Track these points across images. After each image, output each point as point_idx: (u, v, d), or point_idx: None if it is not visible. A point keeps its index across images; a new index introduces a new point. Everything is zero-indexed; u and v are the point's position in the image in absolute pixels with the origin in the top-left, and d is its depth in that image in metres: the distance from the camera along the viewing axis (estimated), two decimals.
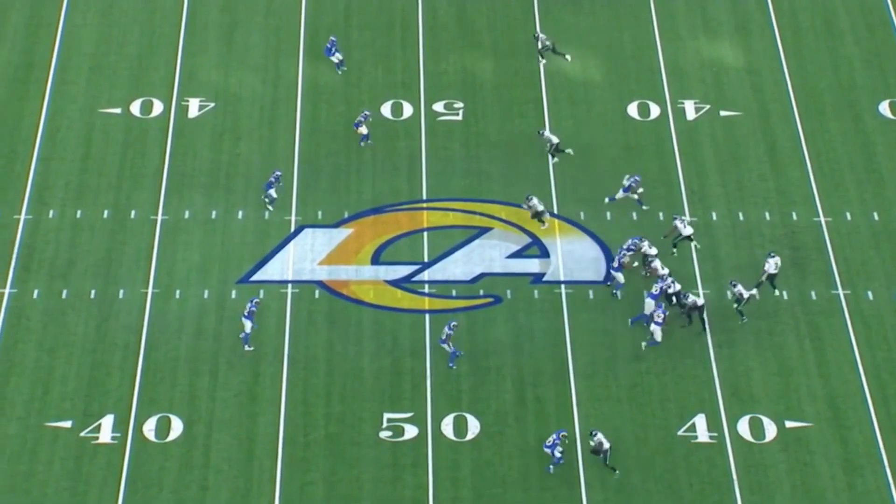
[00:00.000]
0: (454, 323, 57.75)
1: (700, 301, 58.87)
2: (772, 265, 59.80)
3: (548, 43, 69.52)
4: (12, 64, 68.81)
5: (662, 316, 57.99)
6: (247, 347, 57.71)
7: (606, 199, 62.89)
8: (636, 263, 60.76)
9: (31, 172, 64.32)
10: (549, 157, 64.43)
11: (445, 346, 57.51)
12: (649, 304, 58.62)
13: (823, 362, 58.52)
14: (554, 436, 53.50)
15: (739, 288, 59.00)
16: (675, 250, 61.37)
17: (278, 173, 62.80)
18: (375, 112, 67.23)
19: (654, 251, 60.51)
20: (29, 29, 70.49)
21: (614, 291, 60.30)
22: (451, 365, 57.56)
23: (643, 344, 58.07)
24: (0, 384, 56.64)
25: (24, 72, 68.49)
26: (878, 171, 65.64)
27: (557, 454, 53.27)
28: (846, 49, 71.01)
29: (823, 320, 59.71)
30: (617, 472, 53.35)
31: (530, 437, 55.84)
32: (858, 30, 71.85)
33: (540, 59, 69.67)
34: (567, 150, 64.75)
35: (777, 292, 60.06)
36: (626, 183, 62.54)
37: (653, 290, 58.83)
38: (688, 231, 61.23)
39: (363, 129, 64.71)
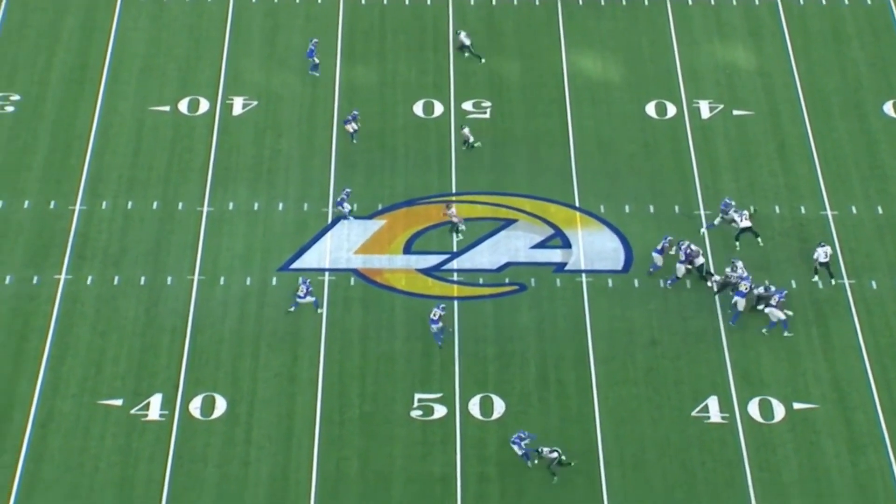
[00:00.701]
0: (443, 305, 57.73)
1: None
2: (821, 254, 59.58)
3: (466, 42, 69.35)
4: (68, 65, 68.83)
5: (748, 285, 58.18)
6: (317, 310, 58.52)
7: (703, 230, 62.07)
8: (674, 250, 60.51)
9: (86, 166, 64.36)
10: (464, 147, 64.39)
11: (435, 326, 57.36)
12: (741, 303, 58.35)
13: (829, 348, 58.29)
14: (515, 436, 53.36)
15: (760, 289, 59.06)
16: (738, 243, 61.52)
17: (348, 190, 62.62)
18: (408, 111, 67.09)
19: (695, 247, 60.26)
20: (84, 32, 70.52)
21: (650, 270, 60.18)
22: (439, 345, 57.59)
23: (763, 330, 58.12)
24: (55, 364, 56.75)
25: (80, 72, 68.52)
26: (882, 168, 65.35)
27: (520, 452, 52.99)
28: (852, 52, 70.68)
29: (829, 308, 59.47)
30: (556, 478, 53.07)
31: (552, 416, 55.79)
32: (864, 35, 71.53)
33: (463, 54, 69.70)
34: (476, 144, 64.64)
35: (831, 280, 60.04)
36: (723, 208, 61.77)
37: (740, 289, 58.40)
38: (746, 224, 60.93)
39: (349, 127, 64.33)
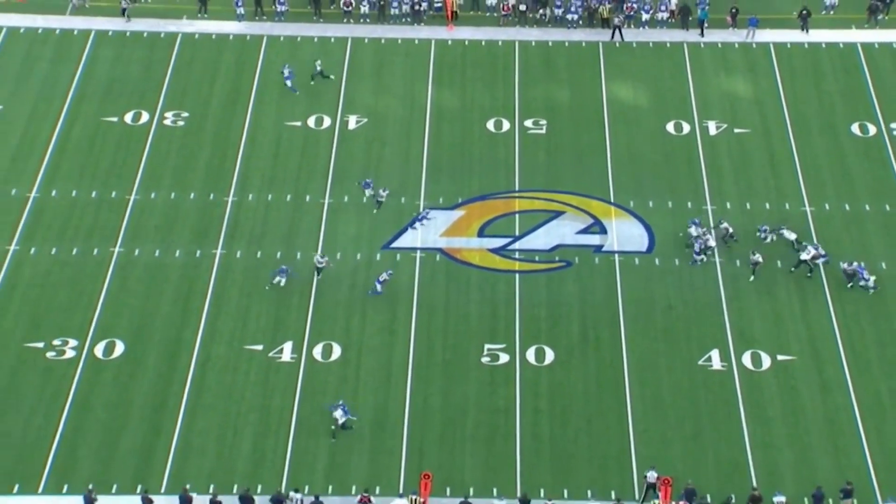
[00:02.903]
0: (391, 271, 57.79)
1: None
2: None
3: (318, 69, 68.74)
4: (225, 90, 68.95)
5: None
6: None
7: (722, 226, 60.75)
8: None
9: (237, 167, 64.46)
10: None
11: (379, 285, 57.14)
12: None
13: (806, 312, 57.72)
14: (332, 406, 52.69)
15: (724, 225, 59.46)
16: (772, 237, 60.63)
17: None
18: (482, 127, 66.75)
19: (731, 229, 59.89)
20: (237, 65, 70.58)
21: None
22: (370, 294, 57.48)
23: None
24: (213, 318, 57.05)
25: (234, 96, 68.61)
26: (849, 175, 64.42)
27: (338, 416, 52.22)
28: (827, 85, 69.63)
29: (807, 282, 58.73)
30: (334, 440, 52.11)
31: (590, 364, 55.57)
32: (837, 71, 70.43)
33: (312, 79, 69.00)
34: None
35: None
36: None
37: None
38: (792, 236, 60.16)
39: (368, 191, 62.49)
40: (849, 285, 58.33)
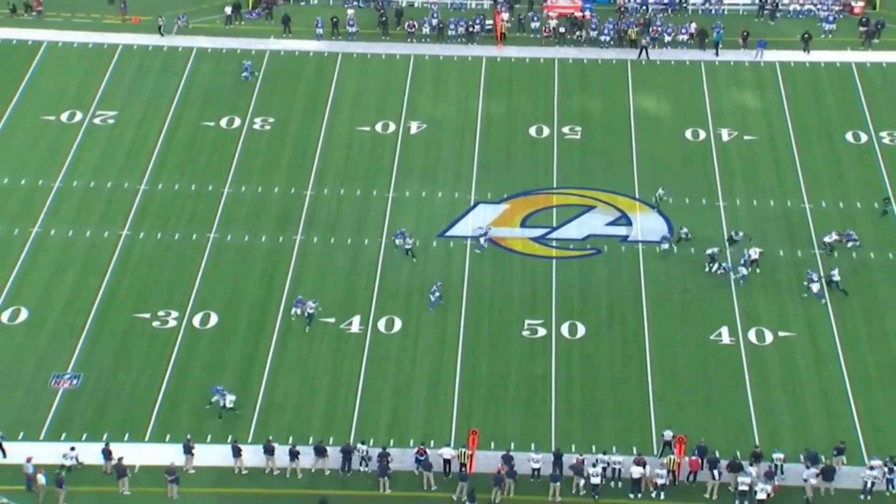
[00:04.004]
0: (440, 283, 56.51)
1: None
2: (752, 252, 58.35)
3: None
4: (305, 98, 69.23)
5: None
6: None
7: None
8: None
9: (314, 165, 64.67)
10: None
11: (432, 296, 55.71)
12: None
13: (804, 296, 56.95)
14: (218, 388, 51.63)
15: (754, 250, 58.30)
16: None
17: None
18: (525, 132, 66.59)
19: (756, 254, 58.04)
20: (316, 77, 70.89)
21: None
22: (430, 310, 55.97)
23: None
24: (291, 295, 57.06)
25: (312, 104, 68.88)
26: (844, 177, 63.76)
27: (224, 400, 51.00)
28: (826, 98, 68.92)
29: (805, 270, 58.07)
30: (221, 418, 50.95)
31: (616, 338, 55.32)
32: (834, 86, 69.74)
33: None
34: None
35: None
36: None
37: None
38: (833, 238, 59.05)
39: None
40: (834, 253, 57.64)
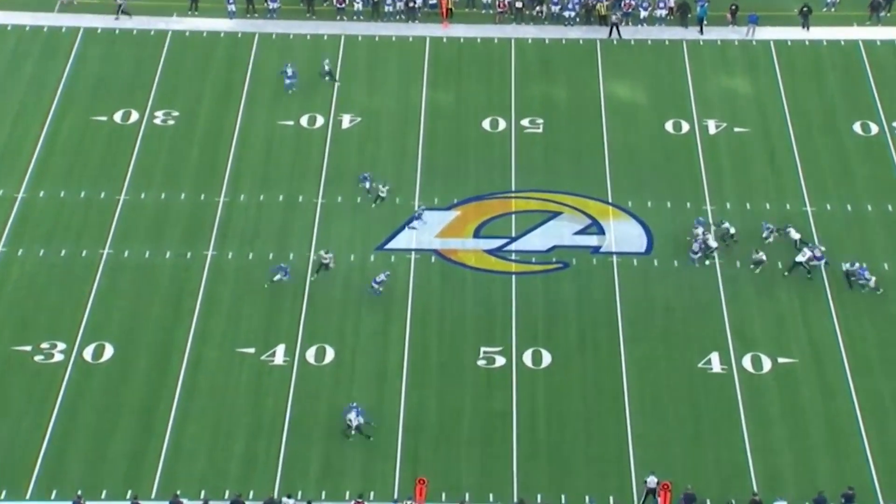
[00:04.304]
0: (388, 272, 58.01)
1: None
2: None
3: (326, 69, 68.93)
4: (216, 87, 69.08)
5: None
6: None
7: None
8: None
9: (228, 167, 64.54)
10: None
11: (377, 285, 57.35)
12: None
13: (807, 315, 57.80)
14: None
15: (725, 225, 60.04)
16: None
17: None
18: (478, 126, 66.89)
19: (733, 229, 60.19)
20: (229, 62, 70.75)
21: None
22: (369, 292, 57.69)
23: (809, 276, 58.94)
24: (204, 320, 57.09)
25: (225, 93, 68.74)
26: (851, 175, 64.56)
27: (352, 417, 52.38)
28: (829, 83, 69.83)
29: (807, 283, 58.81)
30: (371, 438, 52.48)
31: (588, 367, 55.60)
32: (838, 69, 70.68)
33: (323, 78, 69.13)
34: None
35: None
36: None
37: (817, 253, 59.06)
38: (797, 235, 60.36)
39: (366, 185, 62.88)
40: (849, 285, 58.45)
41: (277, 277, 57.96)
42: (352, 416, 52.16)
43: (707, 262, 59.53)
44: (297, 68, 68.74)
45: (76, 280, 58.66)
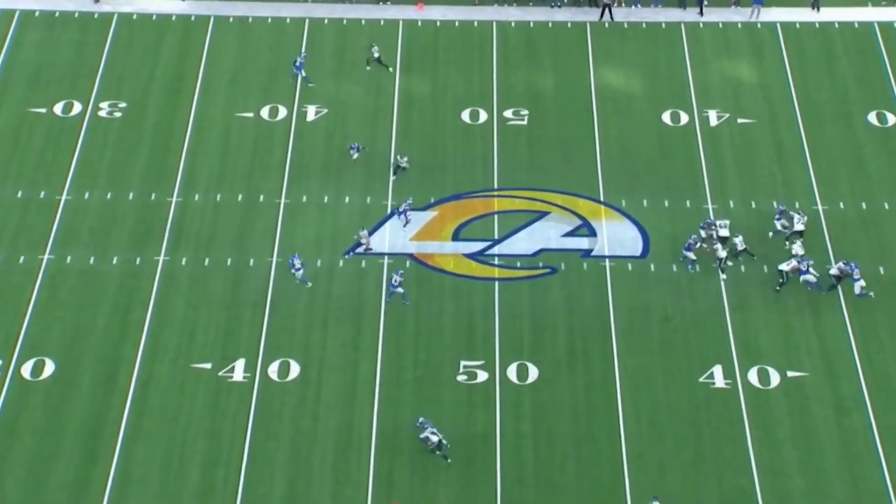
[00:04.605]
0: (402, 271, 58.22)
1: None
2: (738, 242, 60.32)
3: (376, 55, 69.30)
4: (167, 76, 68.99)
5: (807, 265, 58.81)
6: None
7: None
8: (704, 245, 60.36)
9: (181, 164, 64.48)
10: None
11: (399, 289, 57.60)
12: (809, 280, 58.82)
13: (819, 323, 57.95)
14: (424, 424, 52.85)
15: (738, 239, 60.14)
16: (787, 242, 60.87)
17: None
18: (456, 117, 66.96)
19: (725, 231, 60.47)
20: (181, 49, 70.68)
21: (688, 266, 60.00)
22: (405, 302, 58.10)
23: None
24: (155, 333, 56.99)
25: (177, 83, 68.66)
26: (866, 170, 64.83)
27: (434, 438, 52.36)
28: (841, 69, 70.13)
29: (817, 288, 59.02)
30: (449, 460, 52.54)
31: (579, 382, 55.69)
32: (851, 53, 70.98)
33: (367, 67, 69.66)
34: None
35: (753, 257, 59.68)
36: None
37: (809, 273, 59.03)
38: (800, 227, 60.61)
39: (354, 153, 63.95)
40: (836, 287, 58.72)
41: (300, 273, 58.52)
42: (428, 433, 52.11)
43: (697, 269, 59.74)
44: (255, 55, 68.82)
45: (13, 289, 58.52)
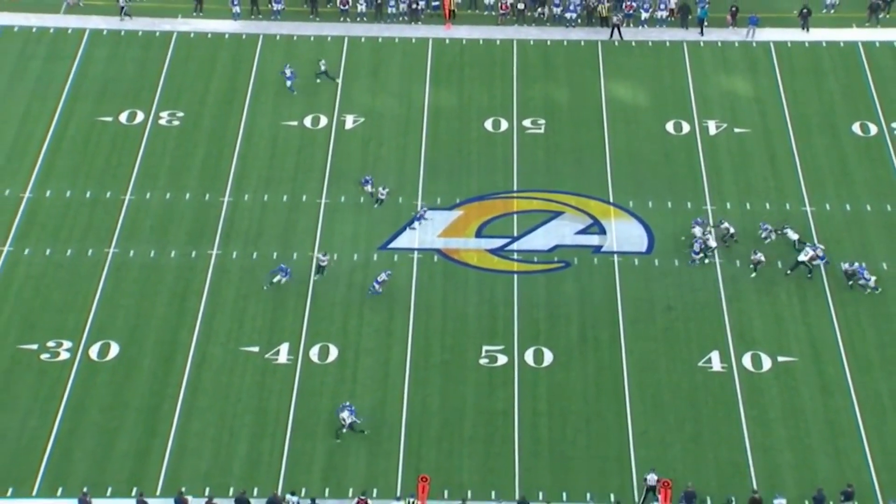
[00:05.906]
0: (389, 272, 57.91)
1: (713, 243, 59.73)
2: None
3: (322, 69, 68.71)
4: (220, 88, 69.01)
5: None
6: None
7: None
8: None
9: (233, 167, 64.50)
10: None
11: (378, 285, 57.34)
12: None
13: (807, 313, 57.76)
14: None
15: (725, 224, 60.11)
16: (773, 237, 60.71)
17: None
18: (480, 126, 66.83)
19: (732, 229, 60.31)
20: (233, 63, 70.66)
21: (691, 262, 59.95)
22: (369, 294, 57.80)
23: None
24: (208, 319, 57.11)
25: (229, 94, 68.67)
26: (850, 175, 64.51)
27: (345, 416, 52.30)
28: (828, 84, 69.76)
29: (807, 283, 58.80)
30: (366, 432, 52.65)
31: (590, 366, 55.59)
32: (838, 70, 70.59)
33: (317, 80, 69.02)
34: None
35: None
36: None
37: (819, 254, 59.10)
38: (795, 236, 60.35)
39: (368, 188, 62.84)
40: (849, 284, 58.39)
41: (277, 278, 57.90)
42: (345, 414, 52.12)
43: (707, 262, 59.46)
44: (297, 69, 68.63)
45: (82, 279, 58.66)
